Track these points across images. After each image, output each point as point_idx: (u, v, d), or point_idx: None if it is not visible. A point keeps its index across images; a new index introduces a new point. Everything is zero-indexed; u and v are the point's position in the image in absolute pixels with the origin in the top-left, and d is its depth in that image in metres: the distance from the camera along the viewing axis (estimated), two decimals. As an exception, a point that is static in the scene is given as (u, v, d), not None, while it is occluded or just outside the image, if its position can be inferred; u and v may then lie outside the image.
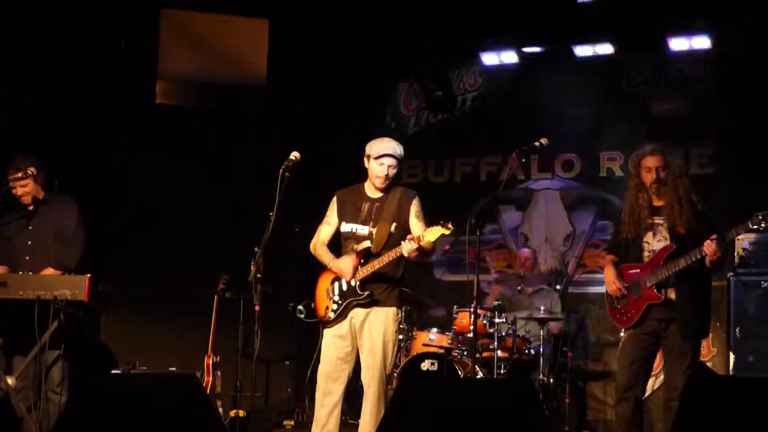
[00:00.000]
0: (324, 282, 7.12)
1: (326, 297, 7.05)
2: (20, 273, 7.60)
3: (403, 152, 7.04)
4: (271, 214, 6.88)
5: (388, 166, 6.95)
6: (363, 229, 6.99)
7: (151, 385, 5.64)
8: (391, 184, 7.03)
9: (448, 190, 11.07)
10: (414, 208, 6.98)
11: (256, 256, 6.93)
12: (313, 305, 7.23)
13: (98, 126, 9.75)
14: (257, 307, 7.04)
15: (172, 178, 10.27)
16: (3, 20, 9.29)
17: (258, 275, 6.96)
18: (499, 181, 10.06)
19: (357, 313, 6.92)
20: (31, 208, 7.89)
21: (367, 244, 6.93)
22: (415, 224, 6.91)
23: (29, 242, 7.85)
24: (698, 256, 6.41)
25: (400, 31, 10.60)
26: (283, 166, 6.93)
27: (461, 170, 11.24)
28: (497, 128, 10.89)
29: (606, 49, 10.42)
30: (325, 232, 7.17)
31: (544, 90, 10.71)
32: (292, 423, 9.29)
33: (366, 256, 6.89)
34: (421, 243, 6.64)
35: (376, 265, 6.81)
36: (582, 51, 10.49)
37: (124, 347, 9.88)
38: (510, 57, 10.85)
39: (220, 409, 8.77)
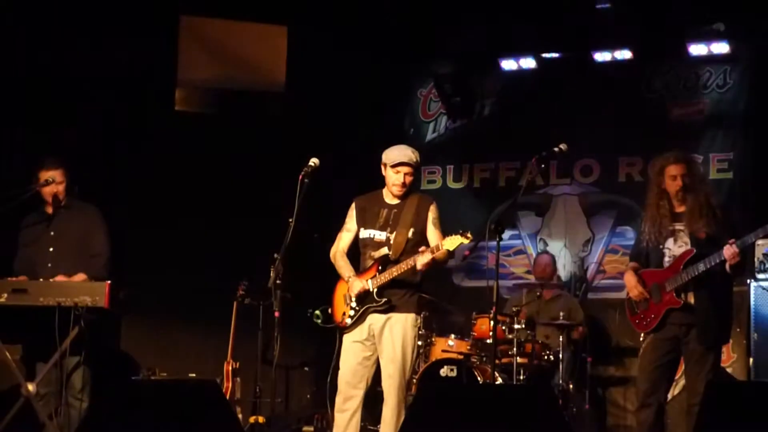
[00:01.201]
0: (342, 288, 7.15)
1: (344, 303, 7.07)
2: (40, 280, 7.61)
3: (419, 159, 7.07)
4: (290, 220, 6.89)
5: (405, 174, 6.98)
6: (381, 235, 7.01)
7: (171, 391, 5.66)
8: (408, 191, 7.06)
9: (466, 196, 11.08)
10: (431, 215, 7.01)
11: (275, 262, 6.94)
12: (330, 311, 7.25)
13: (118, 133, 9.77)
14: (277, 313, 7.06)
15: (192, 185, 10.29)
16: (22, 25, 9.36)
17: (278, 281, 6.97)
18: (519, 186, 10.12)
19: (376, 319, 6.94)
20: (50, 212, 7.90)
21: (385, 250, 6.95)
22: (432, 231, 6.94)
23: (51, 249, 7.84)
24: (718, 260, 6.40)
25: (419, 37, 10.61)
26: (302, 173, 6.95)
27: (480, 176, 11.23)
28: (516, 134, 10.89)
29: (625, 54, 10.41)
30: (344, 239, 7.21)
31: (563, 96, 10.71)
32: (312, 429, 9.29)
33: (384, 262, 6.92)
34: (436, 254, 6.66)
35: (394, 272, 6.83)
36: (601, 57, 10.48)
37: (143, 354, 9.91)
38: (529, 63, 10.85)
39: (240, 416, 8.79)
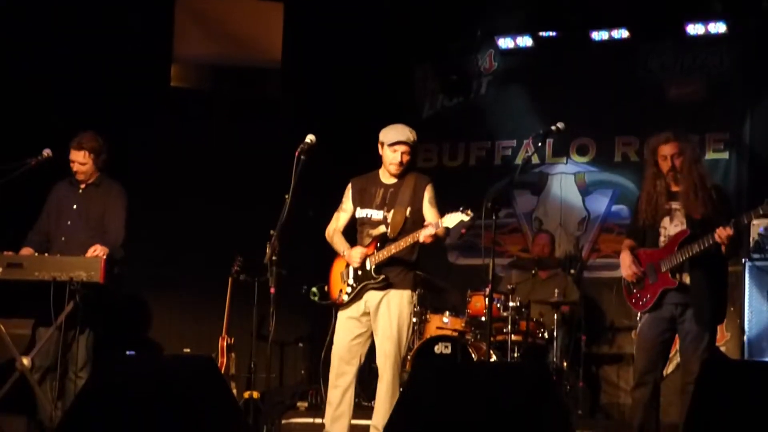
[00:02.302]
0: (339, 265, 7.17)
1: (340, 280, 7.09)
2: (36, 255, 7.63)
3: (416, 138, 7.08)
4: (286, 196, 6.89)
5: (402, 153, 6.99)
6: (377, 215, 7.03)
7: (166, 366, 5.66)
8: (405, 170, 7.07)
9: (462, 174, 11.06)
10: (428, 194, 7.02)
11: (271, 238, 6.95)
12: (326, 288, 7.27)
13: (112, 109, 9.75)
14: (272, 290, 7.08)
15: (187, 161, 10.28)
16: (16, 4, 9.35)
17: (273, 258, 6.99)
18: (515, 165, 10.14)
19: (372, 296, 6.96)
20: (82, 187, 7.92)
21: (383, 229, 6.97)
22: (429, 210, 6.96)
23: (69, 222, 7.87)
24: (711, 242, 6.40)
25: (416, 15, 10.58)
26: (298, 149, 6.95)
27: (476, 154, 11.22)
28: (512, 112, 10.89)
29: (622, 33, 10.39)
30: (341, 219, 7.23)
31: (559, 74, 10.69)
32: (306, 404, 9.30)
33: (382, 241, 6.94)
34: (437, 230, 6.68)
35: (392, 249, 6.86)
36: (598, 36, 10.46)
37: (138, 329, 9.93)
38: (526, 41, 10.82)
39: (235, 391, 8.80)
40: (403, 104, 11.29)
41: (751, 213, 6.35)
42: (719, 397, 4.48)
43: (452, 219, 6.69)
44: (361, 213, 7.13)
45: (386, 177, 7.13)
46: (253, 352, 7.95)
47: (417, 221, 6.86)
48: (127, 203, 7.95)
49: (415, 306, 7.28)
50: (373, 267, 6.93)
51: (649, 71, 10.57)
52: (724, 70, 10.25)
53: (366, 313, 6.99)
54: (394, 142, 7.00)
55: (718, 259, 6.58)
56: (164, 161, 10.22)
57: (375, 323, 6.97)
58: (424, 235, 6.70)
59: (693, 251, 6.50)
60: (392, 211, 6.99)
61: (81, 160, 7.83)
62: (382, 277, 6.92)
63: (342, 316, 7.08)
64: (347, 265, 7.08)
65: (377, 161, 7.18)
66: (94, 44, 9.81)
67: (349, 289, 7.02)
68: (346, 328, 7.03)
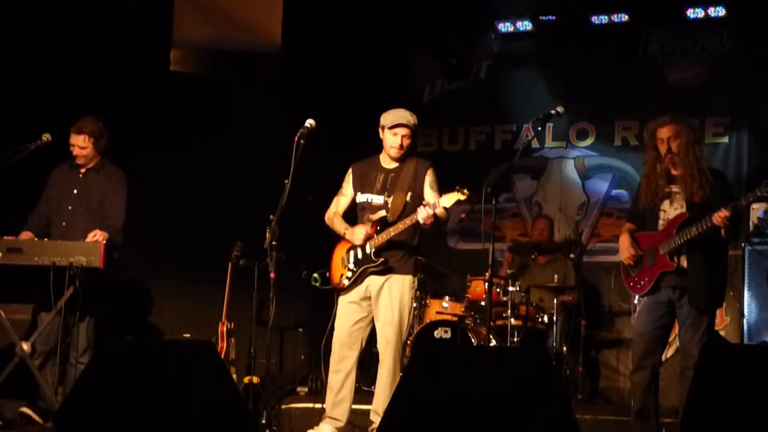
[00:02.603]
0: (340, 251, 7.17)
1: (341, 265, 7.10)
2: (36, 239, 7.64)
3: (416, 122, 7.07)
4: (286, 181, 6.89)
5: (402, 136, 7.00)
6: (378, 199, 7.04)
7: (166, 351, 5.67)
8: (406, 154, 7.07)
9: (462, 159, 11.06)
10: (429, 177, 7.02)
11: (271, 223, 6.95)
12: (328, 273, 7.27)
13: (112, 94, 9.74)
14: (272, 275, 7.08)
15: (187, 145, 10.28)
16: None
17: (273, 242, 6.99)
18: (515, 149, 10.12)
19: (373, 281, 6.97)
20: (83, 171, 7.93)
21: (383, 213, 6.97)
22: (430, 194, 6.95)
23: (70, 207, 7.89)
24: (709, 224, 6.39)
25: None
26: (298, 134, 6.95)
27: (476, 138, 11.21)
28: (512, 96, 10.88)
29: (622, 17, 10.38)
30: (341, 203, 7.24)
31: (559, 58, 10.69)
32: (306, 389, 9.30)
33: (382, 224, 6.94)
34: (436, 210, 6.68)
35: (392, 232, 6.86)
36: (598, 20, 10.45)
37: (138, 314, 9.94)
38: (526, 25, 10.81)
39: (235, 376, 8.80)
40: (402, 88, 11.27)
41: (749, 195, 6.35)
42: (719, 380, 4.49)
43: (449, 198, 6.70)
44: (361, 198, 7.13)
45: (387, 161, 7.13)
46: (252, 337, 7.96)
47: (418, 205, 6.84)
48: (127, 188, 7.95)
49: (416, 291, 7.28)
50: (373, 250, 6.94)
51: (648, 55, 10.55)
52: (724, 54, 10.24)
53: (367, 298, 7.00)
54: (394, 125, 7.00)
55: (717, 242, 6.57)
56: (164, 146, 10.21)
57: (376, 309, 6.98)
58: (422, 216, 6.69)
59: (691, 234, 6.50)
60: (392, 196, 6.99)
61: (81, 144, 7.84)
62: (382, 260, 6.93)
63: (343, 301, 7.09)
64: (348, 251, 7.09)
65: (377, 145, 7.18)
66: (94, 29, 9.80)
67: (349, 274, 7.03)
68: (347, 313, 7.04)
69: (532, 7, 10.64)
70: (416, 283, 7.19)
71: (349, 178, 7.25)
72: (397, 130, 7.00)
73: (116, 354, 5.60)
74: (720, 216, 6.31)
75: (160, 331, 9.79)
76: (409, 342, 8.87)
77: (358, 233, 7.00)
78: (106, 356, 5.60)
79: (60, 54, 9.61)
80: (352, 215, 7.23)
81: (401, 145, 7.02)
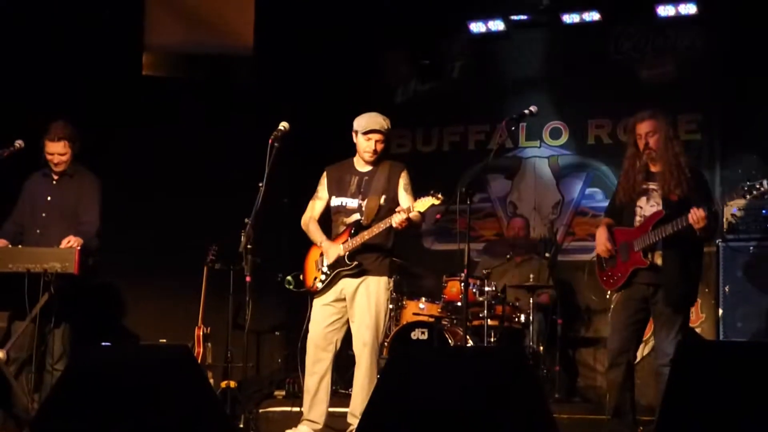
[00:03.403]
0: (314, 254, 7.20)
1: (315, 268, 7.13)
2: (10, 246, 7.61)
3: (390, 126, 7.11)
4: (260, 184, 6.90)
5: (376, 141, 7.04)
6: (353, 203, 7.06)
7: (143, 356, 5.65)
8: (379, 158, 7.09)
9: (436, 159, 11.06)
10: (402, 180, 7.06)
11: (246, 226, 6.95)
12: (301, 276, 7.29)
13: (85, 99, 9.70)
14: (248, 278, 7.10)
15: (160, 149, 10.25)
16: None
17: (248, 246, 7.00)
18: (489, 149, 10.13)
19: (347, 283, 6.99)
20: (56, 178, 7.89)
21: (357, 216, 6.99)
22: (404, 197, 7.00)
23: (43, 214, 7.87)
24: (684, 224, 6.42)
25: (388, 1, 10.57)
26: (272, 137, 6.96)
27: (450, 139, 11.22)
28: (485, 96, 10.88)
29: (593, 16, 10.40)
30: (316, 207, 7.27)
31: (531, 58, 10.71)
32: (284, 393, 9.30)
33: (357, 228, 6.96)
34: (410, 214, 6.69)
35: (366, 236, 6.89)
36: (569, 18, 10.46)
37: (114, 320, 9.90)
38: (497, 25, 10.81)
39: (212, 380, 8.79)
40: (375, 90, 11.28)
41: (725, 196, 6.39)
42: (695, 377, 4.50)
43: (423, 203, 6.72)
44: (336, 201, 7.15)
45: (361, 165, 7.15)
46: (229, 341, 7.94)
47: (392, 208, 6.88)
48: (100, 192, 7.93)
49: (391, 293, 7.29)
50: (347, 254, 6.95)
51: (620, 53, 10.57)
52: (696, 52, 10.26)
53: (341, 299, 7.03)
54: (368, 131, 7.03)
55: (692, 241, 6.60)
56: (137, 150, 10.18)
57: (351, 310, 6.99)
58: (396, 220, 6.71)
59: (666, 232, 6.53)
60: (367, 199, 7.01)
61: (61, 151, 7.82)
62: (356, 263, 6.95)
63: (317, 303, 7.12)
64: (321, 254, 7.11)
65: (350, 148, 7.20)
66: (65, 33, 9.78)
67: (323, 277, 7.05)
68: (321, 315, 7.06)
69: (504, 7, 10.65)
70: (392, 285, 7.20)
71: (323, 181, 7.26)
72: (370, 135, 7.04)
73: (92, 360, 5.58)
74: (696, 215, 6.34)
75: (135, 336, 9.75)
76: (386, 344, 8.89)
77: (331, 253, 7.01)
78: (81, 362, 5.59)
79: (32, 60, 9.58)
80: (328, 220, 7.24)
81: (375, 150, 7.05)
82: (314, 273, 7.14)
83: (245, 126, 9.57)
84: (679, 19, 10.20)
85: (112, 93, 10.05)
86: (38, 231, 7.82)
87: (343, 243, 6.99)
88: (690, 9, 10.05)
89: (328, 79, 10.78)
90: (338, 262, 7.00)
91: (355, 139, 7.13)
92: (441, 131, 11.26)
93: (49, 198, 7.88)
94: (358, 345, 6.97)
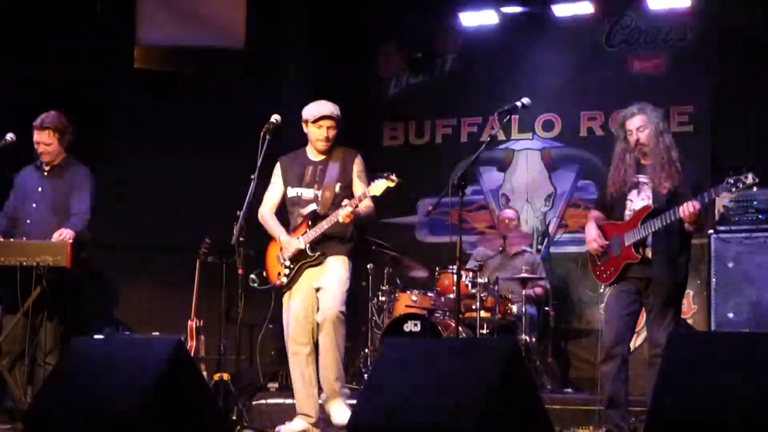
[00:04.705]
0: (274, 249, 7.20)
1: (277, 263, 7.11)
2: (2, 240, 7.61)
3: (339, 113, 7.07)
4: (252, 177, 6.91)
5: (327, 128, 7.03)
6: (308, 193, 7.05)
7: (135, 349, 5.66)
8: (332, 146, 7.08)
9: (429, 152, 11.08)
10: (357, 167, 7.07)
11: (238, 219, 6.96)
12: (264, 273, 7.28)
13: (78, 91, 9.70)
14: (240, 271, 7.10)
15: (152, 143, 10.26)
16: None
17: (240, 238, 7.00)
18: (481, 142, 10.13)
19: (312, 272, 7.01)
20: (47, 169, 7.89)
21: (313, 206, 6.98)
22: (357, 184, 7.01)
23: (34, 205, 7.85)
24: (674, 218, 6.45)
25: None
26: (264, 129, 6.96)
27: (442, 131, 11.22)
28: (477, 89, 10.88)
29: (586, 8, 10.41)
30: (271, 198, 7.24)
31: (524, 50, 10.70)
32: (276, 385, 9.31)
33: (313, 218, 6.95)
34: (359, 204, 6.72)
35: (324, 225, 6.87)
36: (562, 11, 10.47)
37: (107, 312, 9.90)
38: (490, 17, 10.81)
39: (205, 373, 8.79)
40: (369, 83, 11.29)
41: (712, 191, 6.41)
42: (686, 368, 4.52)
43: (378, 187, 6.73)
44: (291, 192, 7.14)
45: (314, 154, 7.14)
46: (222, 334, 7.95)
47: (348, 196, 6.90)
48: (93, 185, 7.91)
49: (350, 271, 7.15)
50: (308, 245, 6.95)
51: (612, 46, 10.59)
52: (688, 44, 10.29)
53: (309, 290, 7.02)
54: (318, 118, 7.03)
55: (681, 234, 6.64)
56: (130, 143, 10.20)
57: (317, 291, 6.99)
58: (342, 216, 6.74)
59: (655, 227, 6.55)
60: (322, 189, 7.01)
61: (46, 140, 7.79)
62: (318, 253, 6.96)
63: (286, 298, 7.11)
64: (281, 247, 7.09)
65: (342, 140, 7.19)
66: (59, 26, 9.78)
67: (287, 271, 7.05)
68: (293, 309, 7.07)
69: (495, 0, 10.65)
70: (350, 264, 7.09)
71: (278, 172, 7.24)
72: (321, 122, 7.02)
73: (85, 353, 5.60)
74: (687, 210, 6.36)
75: (128, 329, 9.75)
76: (379, 335, 8.93)
77: (291, 247, 7.02)
78: (75, 355, 5.61)
79: (26, 54, 9.58)
80: (284, 210, 7.25)
81: (327, 137, 7.04)
82: (277, 268, 7.12)
83: (237, 119, 9.56)
84: (671, 11, 10.21)
85: (104, 86, 10.05)
86: (28, 221, 7.80)
87: (302, 235, 6.99)
88: (683, 2, 10.05)
89: (320, 71, 10.77)
90: (301, 255, 7.00)
91: (305, 129, 7.11)
92: (433, 124, 11.27)
93: (40, 189, 7.87)
94: (321, 312, 6.95)
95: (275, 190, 7.24)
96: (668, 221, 6.48)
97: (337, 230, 6.95)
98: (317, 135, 7.04)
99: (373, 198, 6.91)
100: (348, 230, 7.02)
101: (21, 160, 8.07)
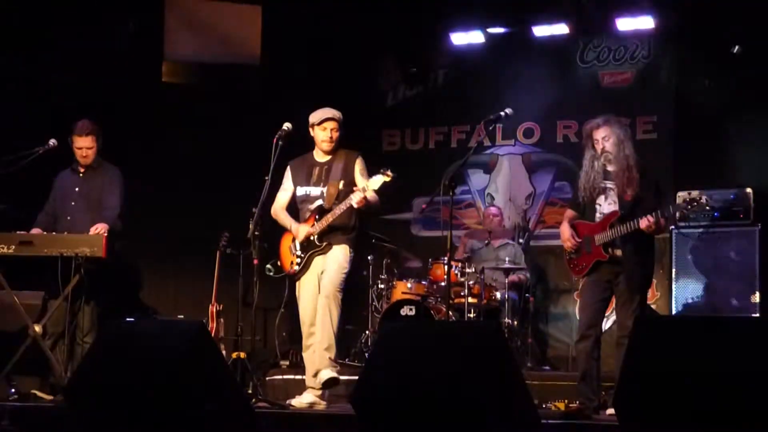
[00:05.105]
0: (286, 240, 7.20)
1: (290, 253, 7.12)
2: (45, 234, 7.62)
3: (341, 117, 7.10)
4: (266, 178, 6.92)
5: (331, 129, 7.05)
6: (315, 191, 7.08)
7: (163, 330, 5.67)
8: (336, 148, 7.08)
9: (423, 156, 11.07)
10: (358, 166, 7.08)
11: (254, 215, 6.97)
12: (279, 263, 7.28)
13: (111, 103, 9.71)
14: (255, 261, 7.13)
15: (178, 148, 10.28)
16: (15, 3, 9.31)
17: (256, 233, 7.02)
18: (469, 147, 10.14)
19: (318, 262, 7.02)
20: (82, 170, 7.90)
21: (319, 202, 6.99)
22: (360, 180, 7.01)
23: (73, 203, 7.88)
24: (636, 226, 6.56)
25: (379, 15, 10.56)
26: (276, 136, 6.98)
27: (435, 138, 11.20)
28: (466, 100, 10.87)
29: (562, 29, 10.40)
30: (282, 198, 7.26)
31: (507, 66, 10.69)
32: (288, 363, 9.31)
33: (320, 212, 6.97)
34: (366, 193, 6.72)
35: (329, 218, 6.89)
36: (540, 31, 10.45)
37: (137, 298, 9.91)
38: (477, 37, 10.79)
39: (224, 352, 8.79)
40: (369, 95, 11.28)
41: (671, 208, 6.54)
42: (650, 349, 4.53)
43: (375, 182, 6.75)
44: (300, 191, 7.16)
45: (320, 156, 7.17)
46: (239, 317, 7.95)
47: (350, 192, 6.90)
48: (123, 182, 7.96)
49: (350, 261, 7.10)
50: (316, 237, 6.95)
51: (585, 62, 10.60)
52: (652, 60, 10.31)
53: (318, 278, 7.03)
54: (322, 120, 7.05)
55: (646, 235, 6.69)
56: (158, 149, 10.21)
57: (322, 274, 7.00)
58: (355, 199, 6.75)
59: (621, 231, 6.64)
60: (327, 186, 7.01)
61: (88, 145, 7.85)
62: (325, 243, 6.98)
63: (298, 286, 7.12)
64: (293, 239, 7.10)
65: (346, 144, 7.19)
66: (93, 44, 9.78)
67: (298, 260, 7.07)
68: (304, 296, 7.08)
69: (482, 21, 10.63)
70: (351, 252, 7.09)
71: (288, 174, 7.28)
72: (325, 124, 7.04)
73: (118, 334, 5.61)
74: (645, 224, 6.48)
75: (156, 312, 9.75)
76: (378, 319, 8.93)
77: (301, 232, 7.03)
78: (109, 336, 5.61)
79: (63, 68, 9.60)
80: (294, 209, 7.27)
81: (331, 138, 7.06)
82: (290, 257, 7.13)
83: (252, 127, 9.55)
84: (637, 32, 10.22)
85: (135, 96, 10.06)
86: (68, 218, 7.84)
87: (311, 226, 6.99)
88: (648, 23, 10.05)
89: (327, 84, 10.76)
90: (310, 245, 7.00)
91: (312, 133, 7.13)
92: (427, 131, 11.25)
93: (77, 189, 7.90)
94: (321, 295, 6.96)
95: (286, 191, 7.25)
96: (632, 228, 6.58)
97: (340, 222, 6.96)
98: (322, 136, 7.06)
99: (377, 193, 6.91)
100: (351, 221, 7.04)
101: (56, 164, 8.09)
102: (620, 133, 6.84)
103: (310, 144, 7.26)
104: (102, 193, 7.87)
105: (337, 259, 6.99)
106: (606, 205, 6.82)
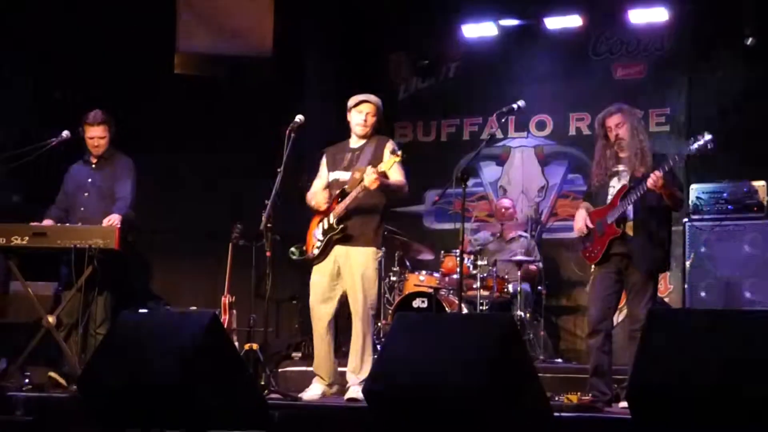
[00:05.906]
0: (312, 225, 7.17)
1: (312, 238, 7.09)
2: (58, 225, 7.64)
3: (379, 103, 7.07)
4: (278, 170, 6.91)
5: (366, 113, 7.01)
6: (345, 176, 7.03)
7: (176, 321, 5.67)
8: (371, 134, 7.05)
9: (435, 149, 11.06)
10: (388, 149, 6.99)
11: (266, 208, 6.96)
12: (304, 247, 7.28)
13: (124, 94, 9.73)
14: (268, 253, 7.14)
15: (190, 139, 10.29)
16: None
17: (268, 225, 7.02)
18: (481, 139, 10.12)
19: (339, 251, 6.93)
20: (95, 161, 7.92)
21: (345, 186, 6.95)
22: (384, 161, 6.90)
23: (86, 194, 7.90)
24: (644, 190, 6.53)
25: (392, 7, 10.56)
26: (289, 128, 6.96)
27: (447, 130, 11.20)
28: (478, 93, 10.85)
29: (575, 21, 10.38)
30: (316, 185, 7.22)
31: (519, 59, 10.65)
32: (300, 354, 9.32)
33: (342, 195, 6.92)
34: (378, 173, 6.63)
35: (347, 201, 6.82)
36: (553, 24, 10.44)
37: (150, 289, 9.93)
38: (489, 29, 10.77)
39: (236, 343, 8.80)
40: (381, 87, 11.24)
41: (676, 156, 6.51)
42: (663, 340, 4.52)
43: (387, 163, 6.72)
44: (332, 176, 7.13)
45: (354, 141, 7.14)
46: (252, 308, 7.96)
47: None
48: (134, 172, 7.98)
49: (380, 263, 7.14)
50: (335, 220, 6.91)
51: (598, 54, 10.57)
52: (665, 52, 10.27)
53: (335, 270, 6.96)
54: (358, 102, 7.03)
55: (660, 211, 6.69)
56: (170, 140, 10.23)
57: (343, 280, 6.96)
58: (367, 181, 6.66)
59: (632, 200, 6.62)
60: (353, 170, 6.97)
61: (100, 134, 7.87)
62: (342, 227, 6.87)
63: (314, 272, 7.07)
64: (318, 223, 7.06)
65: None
66: (108, 37, 9.83)
67: (318, 244, 7.02)
68: (317, 282, 7.04)
69: (494, 13, 10.61)
70: (380, 255, 7.10)
71: (323, 162, 7.26)
72: (361, 107, 7.02)
73: (132, 324, 5.61)
74: (654, 178, 6.41)
75: (169, 304, 9.77)
76: (390, 311, 8.93)
77: (320, 199, 7.01)
78: (123, 326, 5.62)
79: (79, 60, 9.67)
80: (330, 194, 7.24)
81: (365, 122, 7.01)
82: (312, 241, 7.12)
83: (265, 119, 9.57)
84: (650, 24, 10.19)
85: (148, 88, 10.08)
86: (82, 209, 7.87)
87: (331, 210, 6.98)
88: (661, 15, 10.02)
89: (339, 78, 10.75)
90: (329, 228, 6.94)
91: (348, 118, 7.11)
92: (439, 124, 11.24)
93: (89, 180, 7.93)
94: (352, 313, 6.95)
95: (321, 178, 7.23)
96: (640, 193, 6.56)
97: (363, 204, 6.86)
98: (357, 120, 7.03)
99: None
100: (377, 209, 6.96)
101: (68, 156, 8.12)
102: (633, 121, 6.85)
103: (322, 137, 7.26)
104: (114, 182, 7.89)
105: (364, 268, 6.88)
106: (619, 186, 6.82)
